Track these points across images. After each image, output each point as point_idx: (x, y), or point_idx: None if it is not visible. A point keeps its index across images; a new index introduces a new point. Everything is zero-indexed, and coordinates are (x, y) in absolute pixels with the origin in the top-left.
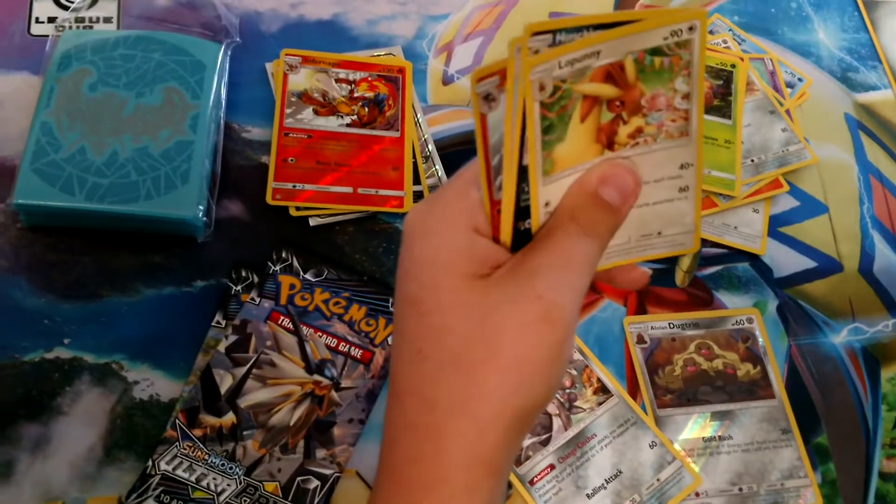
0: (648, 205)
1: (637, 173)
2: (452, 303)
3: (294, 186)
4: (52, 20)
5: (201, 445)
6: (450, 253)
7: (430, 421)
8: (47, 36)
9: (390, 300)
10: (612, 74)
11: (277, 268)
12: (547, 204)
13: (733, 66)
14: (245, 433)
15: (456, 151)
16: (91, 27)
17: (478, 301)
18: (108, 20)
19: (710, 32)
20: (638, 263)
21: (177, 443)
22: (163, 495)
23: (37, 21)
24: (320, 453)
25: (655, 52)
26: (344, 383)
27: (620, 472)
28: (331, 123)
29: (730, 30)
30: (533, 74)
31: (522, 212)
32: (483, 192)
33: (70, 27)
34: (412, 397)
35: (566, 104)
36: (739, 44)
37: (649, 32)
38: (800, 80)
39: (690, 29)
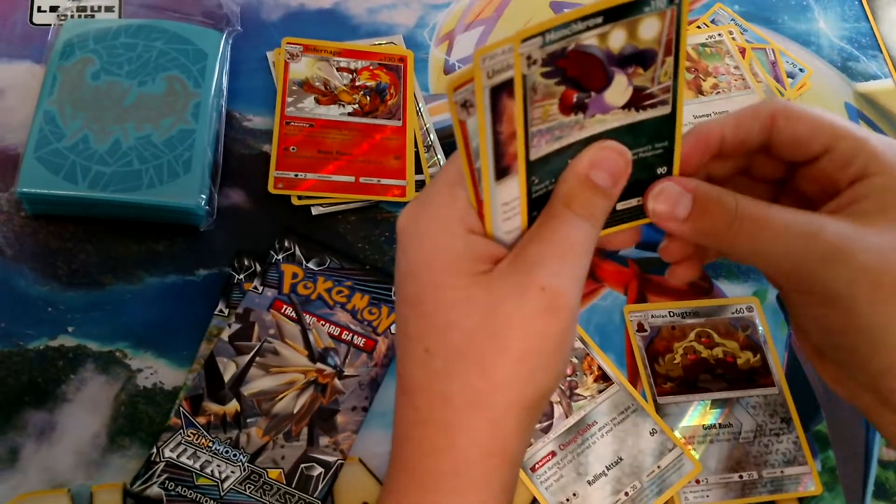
0: None
1: (627, 154)
2: (454, 300)
3: (296, 175)
4: (53, 9)
5: (205, 433)
6: (447, 253)
7: (442, 416)
8: (49, 25)
9: (392, 289)
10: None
11: (280, 256)
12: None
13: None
14: (249, 421)
15: None
16: (93, 16)
17: (481, 296)
18: (109, 9)
19: (714, 23)
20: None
21: (181, 430)
22: (167, 482)
23: (39, 10)
24: (323, 441)
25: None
26: (347, 371)
27: (621, 459)
28: (332, 112)
29: (732, 19)
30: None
31: (535, 202)
32: (469, 194)
33: (72, 16)
34: (423, 394)
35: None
36: (743, 33)
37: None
38: (801, 70)
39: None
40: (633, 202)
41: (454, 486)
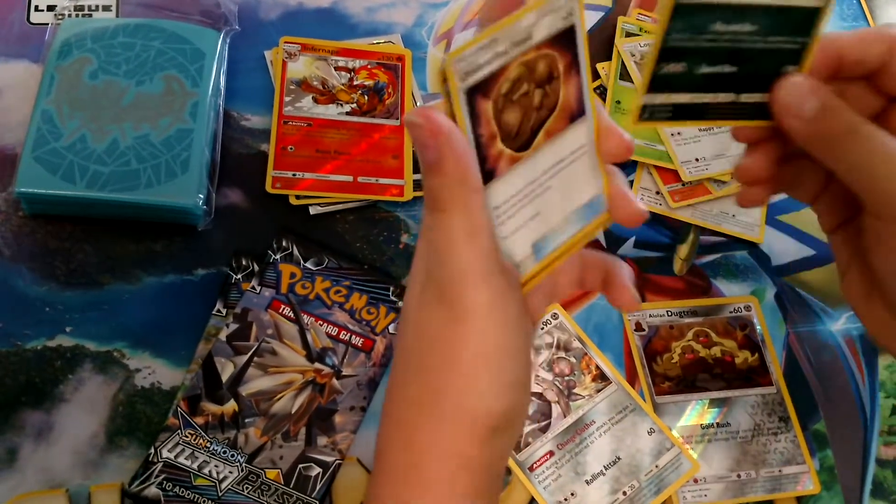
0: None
1: (437, 111)
2: (414, 307)
3: (294, 175)
4: (51, 8)
5: (203, 433)
6: (419, 256)
7: (414, 416)
8: (47, 24)
9: (391, 289)
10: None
11: (278, 256)
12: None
13: None
14: (247, 421)
15: None
16: (90, 15)
17: (420, 308)
18: (107, 8)
19: None
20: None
21: (178, 430)
22: (165, 482)
23: (36, 9)
24: (321, 441)
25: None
26: (345, 371)
27: (619, 458)
28: (330, 111)
29: None
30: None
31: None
32: None
33: (69, 15)
34: (399, 392)
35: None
36: None
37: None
38: None
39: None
40: (757, 97)
41: (419, 480)
